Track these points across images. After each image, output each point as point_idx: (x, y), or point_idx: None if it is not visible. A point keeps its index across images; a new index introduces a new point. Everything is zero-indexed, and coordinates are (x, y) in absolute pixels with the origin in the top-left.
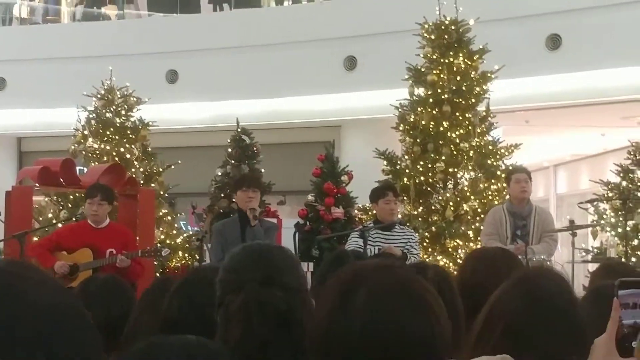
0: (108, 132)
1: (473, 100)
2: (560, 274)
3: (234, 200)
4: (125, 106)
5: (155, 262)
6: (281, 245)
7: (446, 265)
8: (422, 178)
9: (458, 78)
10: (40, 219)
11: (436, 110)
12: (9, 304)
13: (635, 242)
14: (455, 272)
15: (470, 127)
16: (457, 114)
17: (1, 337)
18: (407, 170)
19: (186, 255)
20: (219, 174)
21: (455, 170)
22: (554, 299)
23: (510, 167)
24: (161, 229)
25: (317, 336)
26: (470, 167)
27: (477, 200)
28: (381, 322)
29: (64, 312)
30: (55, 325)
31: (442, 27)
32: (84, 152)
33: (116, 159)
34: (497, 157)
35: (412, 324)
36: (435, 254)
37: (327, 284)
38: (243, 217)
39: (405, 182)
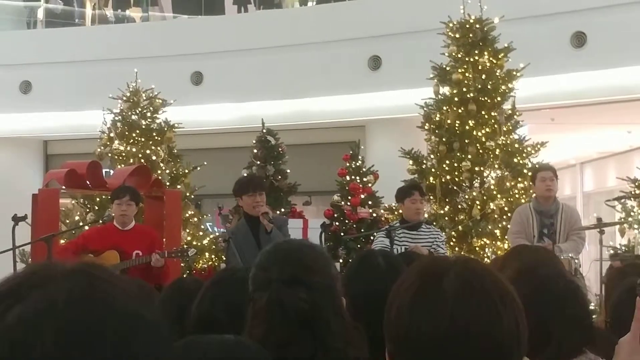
0: (134, 134)
1: (499, 98)
2: (556, 261)
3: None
4: (151, 108)
5: (182, 264)
6: (313, 243)
7: None
8: (448, 177)
9: (483, 76)
10: (67, 221)
11: (462, 109)
12: (98, 309)
13: None
14: None
15: (496, 126)
16: (483, 112)
17: (90, 343)
18: (433, 170)
19: (213, 256)
20: (245, 175)
21: (482, 169)
22: (556, 286)
23: (537, 165)
24: (187, 230)
25: (398, 328)
26: (496, 166)
27: (504, 199)
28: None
29: (146, 320)
30: (138, 333)
31: (467, 26)
32: (110, 155)
33: (142, 161)
34: (524, 155)
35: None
36: (462, 253)
37: (400, 280)
38: (251, 221)
39: (431, 181)
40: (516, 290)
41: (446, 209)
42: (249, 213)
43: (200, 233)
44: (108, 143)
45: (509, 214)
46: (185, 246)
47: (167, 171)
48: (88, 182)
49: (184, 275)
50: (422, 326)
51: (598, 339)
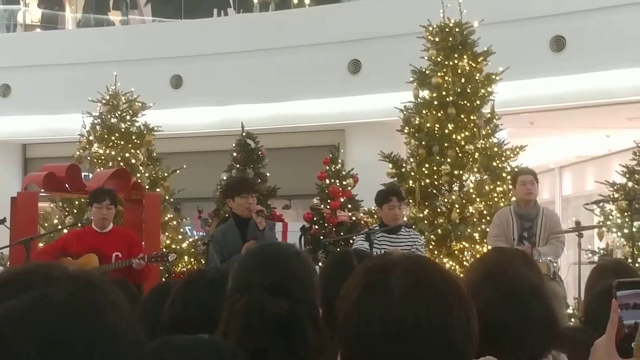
0: (113, 138)
1: (478, 102)
2: (527, 263)
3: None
4: (130, 111)
5: (161, 267)
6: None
7: (452, 267)
8: (427, 180)
9: (463, 80)
10: (46, 224)
11: (441, 112)
12: (90, 322)
13: None
14: (462, 275)
15: (475, 129)
16: (462, 116)
17: (75, 354)
18: (412, 173)
19: (192, 260)
20: (224, 178)
21: (461, 172)
22: (520, 288)
23: (516, 169)
24: (167, 233)
25: (347, 325)
26: (475, 169)
27: (483, 202)
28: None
29: (134, 339)
30: (121, 349)
31: (447, 30)
32: (89, 158)
33: (121, 164)
34: (503, 159)
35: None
36: (441, 256)
37: (348, 280)
38: (240, 222)
39: (410, 184)
40: (483, 293)
41: (425, 213)
42: (239, 214)
43: (180, 236)
44: (87, 146)
45: (488, 218)
46: (165, 251)
47: (147, 174)
48: (67, 186)
49: (168, 278)
50: (371, 325)
51: (565, 338)
